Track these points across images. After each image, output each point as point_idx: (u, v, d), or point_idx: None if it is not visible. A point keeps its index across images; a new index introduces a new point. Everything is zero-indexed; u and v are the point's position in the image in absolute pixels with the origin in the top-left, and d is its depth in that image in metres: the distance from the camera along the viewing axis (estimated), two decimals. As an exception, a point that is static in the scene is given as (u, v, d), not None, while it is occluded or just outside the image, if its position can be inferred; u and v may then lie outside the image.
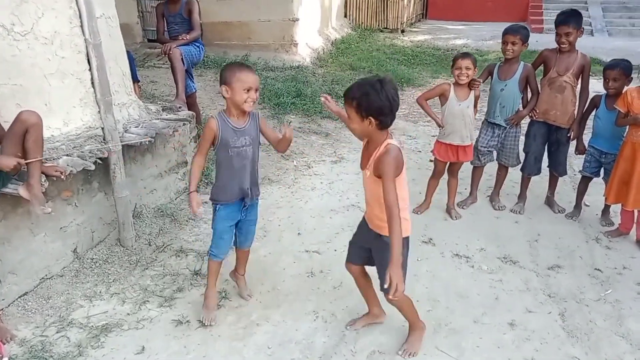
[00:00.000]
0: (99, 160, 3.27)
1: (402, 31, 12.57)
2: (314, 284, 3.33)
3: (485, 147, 4.20)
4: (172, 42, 4.84)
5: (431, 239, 3.86)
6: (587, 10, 13.43)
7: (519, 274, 3.48)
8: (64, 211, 3.30)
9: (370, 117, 2.31)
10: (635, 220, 3.84)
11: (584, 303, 3.18)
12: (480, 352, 2.76)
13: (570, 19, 3.89)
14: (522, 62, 4.06)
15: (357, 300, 3.12)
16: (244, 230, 3.02)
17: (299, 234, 3.97)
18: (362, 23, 12.40)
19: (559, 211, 4.34)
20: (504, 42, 3.97)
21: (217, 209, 2.88)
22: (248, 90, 2.62)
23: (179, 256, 3.60)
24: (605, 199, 3.94)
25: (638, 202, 3.67)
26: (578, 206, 4.23)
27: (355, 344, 2.81)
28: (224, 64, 2.82)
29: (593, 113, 4.04)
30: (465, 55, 3.87)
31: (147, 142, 3.57)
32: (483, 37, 12.29)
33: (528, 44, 4.01)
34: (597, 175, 4.06)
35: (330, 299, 3.18)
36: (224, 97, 2.68)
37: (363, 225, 2.74)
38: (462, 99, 3.93)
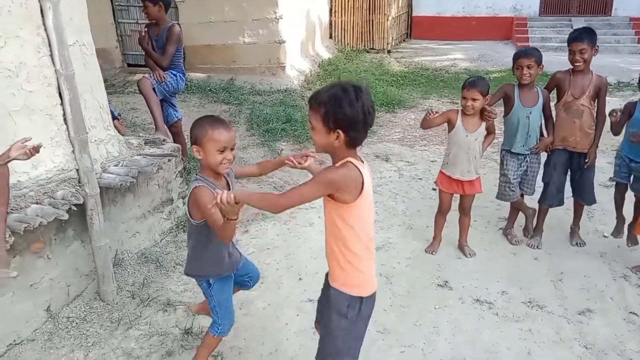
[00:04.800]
0: (73, 208, 2.86)
1: (389, 51, 12.36)
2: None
3: (515, 179, 3.86)
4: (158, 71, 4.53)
5: (447, 282, 3.50)
6: (572, 27, 13.43)
7: (549, 322, 3.13)
8: (35, 265, 2.88)
9: (339, 130, 1.90)
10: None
11: (627, 356, 2.83)
12: None
13: (584, 36, 3.61)
14: (537, 87, 3.77)
15: (365, 351, 2.74)
16: (252, 274, 2.78)
17: (299, 279, 3.57)
18: (348, 44, 12.17)
19: (577, 244, 4.02)
20: (518, 67, 3.66)
21: (210, 284, 2.50)
22: (222, 151, 2.24)
23: (166, 311, 3.18)
24: (635, 229, 3.62)
25: None
26: (621, 220, 3.91)
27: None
28: (196, 119, 2.37)
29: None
30: (472, 83, 3.48)
31: (129, 183, 3.17)
32: (472, 56, 12.14)
33: (543, 66, 3.72)
34: (628, 180, 3.76)
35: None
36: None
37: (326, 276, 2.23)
38: (471, 129, 3.59)
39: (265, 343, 2.92)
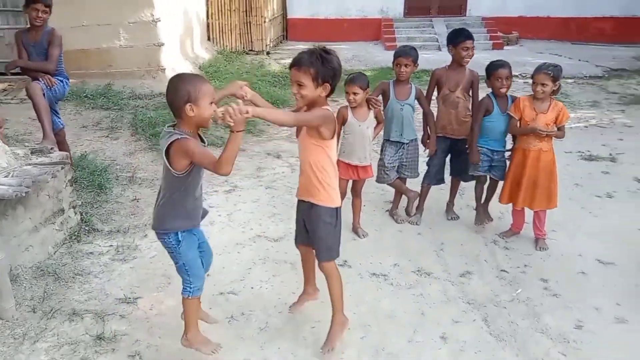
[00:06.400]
0: (-37, 222, 2.72)
1: (268, 53, 12.60)
2: (238, 329, 3.07)
3: (390, 163, 4.27)
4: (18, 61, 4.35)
5: (346, 261, 3.79)
6: (433, 27, 14.66)
7: (436, 285, 3.55)
8: None
9: (326, 83, 2.48)
10: (525, 221, 4.14)
11: (502, 306, 3.33)
12: (423, 373, 2.74)
13: (471, 35, 4.16)
14: (412, 84, 4.22)
15: (288, 340, 2.95)
16: (205, 249, 2.85)
17: (207, 275, 3.64)
18: (226, 46, 12.20)
19: (452, 218, 4.55)
20: (397, 65, 4.08)
21: (179, 239, 2.56)
22: (211, 103, 2.40)
23: (73, 320, 3.11)
24: (500, 200, 4.17)
25: (526, 201, 3.96)
26: (480, 210, 4.41)
27: (298, 387, 2.63)
28: (174, 80, 2.43)
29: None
30: (352, 80, 3.86)
31: (24, 193, 3.05)
32: (346, 56, 12.75)
33: (418, 64, 4.17)
34: (489, 172, 4.26)
35: (259, 343, 2.95)
36: (181, 118, 2.38)
37: (299, 203, 2.90)
38: (362, 119, 3.96)
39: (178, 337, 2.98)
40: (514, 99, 4.05)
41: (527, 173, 3.86)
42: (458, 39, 4.17)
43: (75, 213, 4.15)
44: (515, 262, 3.85)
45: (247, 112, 2.20)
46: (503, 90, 4.00)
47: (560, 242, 4.12)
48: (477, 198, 4.42)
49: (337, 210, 2.78)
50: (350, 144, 4.00)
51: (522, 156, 3.91)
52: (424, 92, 4.31)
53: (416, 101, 4.23)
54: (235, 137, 2.26)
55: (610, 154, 6.13)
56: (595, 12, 14.59)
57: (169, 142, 2.37)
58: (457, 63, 4.21)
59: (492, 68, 4.02)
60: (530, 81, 3.94)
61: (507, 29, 14.39)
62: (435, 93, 4.39)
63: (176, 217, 2.55)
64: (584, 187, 5.17)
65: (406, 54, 4.07)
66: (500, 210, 4.51)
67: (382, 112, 4.17)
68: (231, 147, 2.27)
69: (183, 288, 2.67)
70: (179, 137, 2.34)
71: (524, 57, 11.88)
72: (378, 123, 4.10)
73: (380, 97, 4.20)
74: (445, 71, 4.25)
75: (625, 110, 8.16)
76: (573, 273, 3.71)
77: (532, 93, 3.85)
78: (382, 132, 4.29)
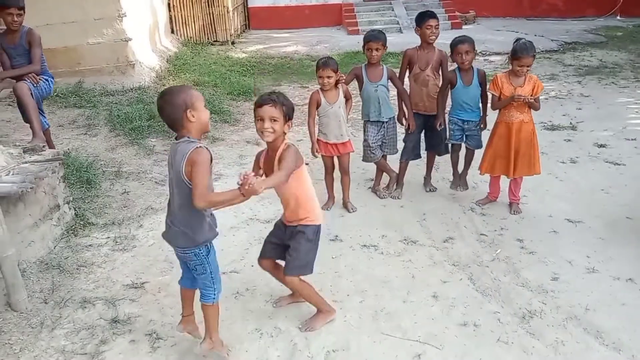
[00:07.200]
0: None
1: (233, 43, 12.63)
2: (245, 303, 3.28)
3: (375, 142, 4.51)
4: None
5: (337, 236, 4.04)
6: (393, 10, 14.91)
7: (422, 251, 3.83)
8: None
9: (290, 120, 2.79)
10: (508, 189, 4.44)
11: (484, 265, 3.63)
12: (420, 327, 3.01)
13: (434, 15, 4.46)
14: (383, 65, 4.46)
15: (294, 308, 3.17)
16: None
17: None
18: (190, 38, 12.18)
19: (430, 190, 4.83)
20: (369, 49, 4.31)
21: (208, 249, 2.66)
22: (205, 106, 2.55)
23: (85, 307, 3.26)
24: (479, 170, 4.46)
25: (518, 170, 4.22)
26: (457, 175, 4.73)
27: (309, 349, 2.85)
28: (166, 93, 2.51)
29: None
30: (325, 63, 4.11)
31: (29, 189, 3.16)
32: (310, 42, 12.91)
33: (387, 47, 4.41)
34: (462, 141, 4.58)
35: (267, 314, 3.16)
36: (184, 127, 2.47)
37: (280, 225, 3.08)
38: (333, 101, 4.21)
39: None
40: (479, 71, 4.35)
41: (511, 144, 4.15)
42: (422, 19, 4.46)
43: (70, 208, 4.24)
44: (492, 226, 4.17)
45: (260, 191, 2.40)
46: (465, 64, 4.28)
47: (532, 206, 4.46)
48: (453, 165, 4.73)
49: (319, 228, 2.97)
50: (326, 125, 4.26)
51: (505, 129, 4.20)
52: (396, 73, 4.56)
53: (389, 81, 4.47)
54: (238, 198, 2.43)
55: (571, 123, 6.53)
56: (548, -12, 15.15)
57: (190, 150, 2.39)
58: (426, 42, 4.48)
59: (454, 44, 4.34)
60: (499, 58, 4.23)
61: (464, 9, 14.79)
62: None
63: (205, 229, 2.58)
64: (549, 154, 5.52)
65: (376, 38, 4.31)
66: (474, 180, 4.82)
67: (349, 90, 4.43)
68: (227, 199, 2.47)
69: (205, 296, 2.72)
70: (199, 145, 2.42)
71: (483, 34, 12.28)
72: (347, 100, 4.34)
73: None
74: (416, 51, 4.51)
75: (581, 82, 8.62)
76: (545, 232, 4.04)
77: (509, 69, 4.15)
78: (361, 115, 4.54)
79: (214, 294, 2.72)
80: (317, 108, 4.23)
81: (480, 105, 4.47)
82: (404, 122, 4.63)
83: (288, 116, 2.75)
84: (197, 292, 2.84)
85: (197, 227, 2.56)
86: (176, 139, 2.52)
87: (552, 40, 11.93)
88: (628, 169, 5.10)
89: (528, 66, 4.03)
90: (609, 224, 4.10)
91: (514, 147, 4.17)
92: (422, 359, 2.77)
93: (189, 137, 2.47)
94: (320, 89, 4.21)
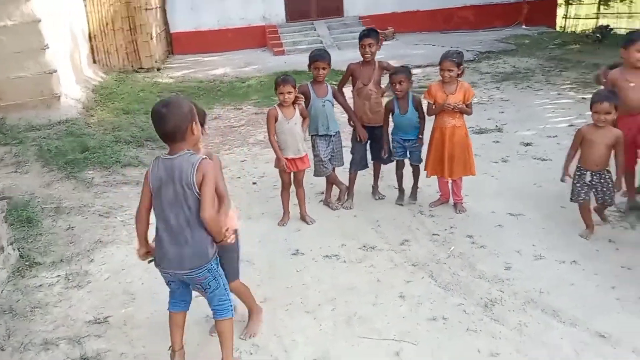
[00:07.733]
0: None
1: (158, 69, 12.44)
2: (245, 274, 3.23)
3: (326, 156, 4.63)
4: None
5: (298, 250, 4.10)
6: (315, 30, 15.27)
7: (382, 256, 3.97)
8: None
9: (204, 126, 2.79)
10: (451, 190, 4.68)
11: (442, 262, 3.82)
12: (393, 326, 3.13)
13: (371, 33, 4.65)
14: (326, 83, 4.64)
15: (289, 277, 3.19)
16: None
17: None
18: (114, 66, 11.87)
19: (379, 197, 5.01)
20: (316, 68, 4.46)
21: (217, 259, 2.64)
22: None
23: (48, 349, 3.11)
24: (426, 173, 4.68)
25: (455, 172, 4.48)
26: (402, 190, 4.91)
27: None
28: (162, 110, 2.43)
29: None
30: (285, 80, 4.21)
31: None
32: (238, 64, 12.96)
33: (331, 66, 4.58)
34: (405, 157, 4.78)
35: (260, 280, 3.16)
36: (184, 140, 2.46)
37: None
38: (289, 117, 4.29)
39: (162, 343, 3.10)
40: (414, 98, 4.59)
41: (446, 148, 4.41)
42: (360, 39, 4.68)
43: (14, 249, 4.03)
44: (442, 225, 4.39)
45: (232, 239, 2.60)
46: (399, 93, 4.49)
47: (474, 204, 4.73)
48: (398, 181, 4.92)
49: (237, 236, 2.91)
50: (284, 141, 4.33)
51: (439, 134, 4.45)
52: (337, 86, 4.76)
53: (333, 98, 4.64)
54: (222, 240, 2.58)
55: (497, 126, 7.00)
56: (458, 2, 16.16)
57: (198, 162, 2.41)
58: (364, 59, 4.68)
59: (391, 74, 4.55)
60: (419, 71, 4.51)
61: (382, 25, 15.41)
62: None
63: (211, 240, 2.56)
64: (481, 156, 5.86)
65: (322, 58, 4.47)
66: (419, 184, 5.05)
67: (305, 109, 4.52)
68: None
69: (221, 312, 2.69)
70: (205, 157, 2.44)
71: (402, 50, 12.90)
72: (304, 118, 4.44)
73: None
74: (359, 66, 4.71)
75: (499, 87, 9.25)
76: (491, 227, 4.31)
77: (441, 79, 4.41)
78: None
79: (231, 306, 2.72)
80: (275, 122, 4.30)
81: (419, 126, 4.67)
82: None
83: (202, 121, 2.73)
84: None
85: (206, 241, 2.52)
86: (169, 153, 2.47)
87: (467, 50, 12.62)
88: (554, 163, 5.51)
89: (449, 70, 4.30)
90: (546, 215, 4.44)
91: (448, 150, 4.43)
92: (401, 356, 2.88)
93: (189, 150, 2.46)
94: (279, 104, 4.29)
